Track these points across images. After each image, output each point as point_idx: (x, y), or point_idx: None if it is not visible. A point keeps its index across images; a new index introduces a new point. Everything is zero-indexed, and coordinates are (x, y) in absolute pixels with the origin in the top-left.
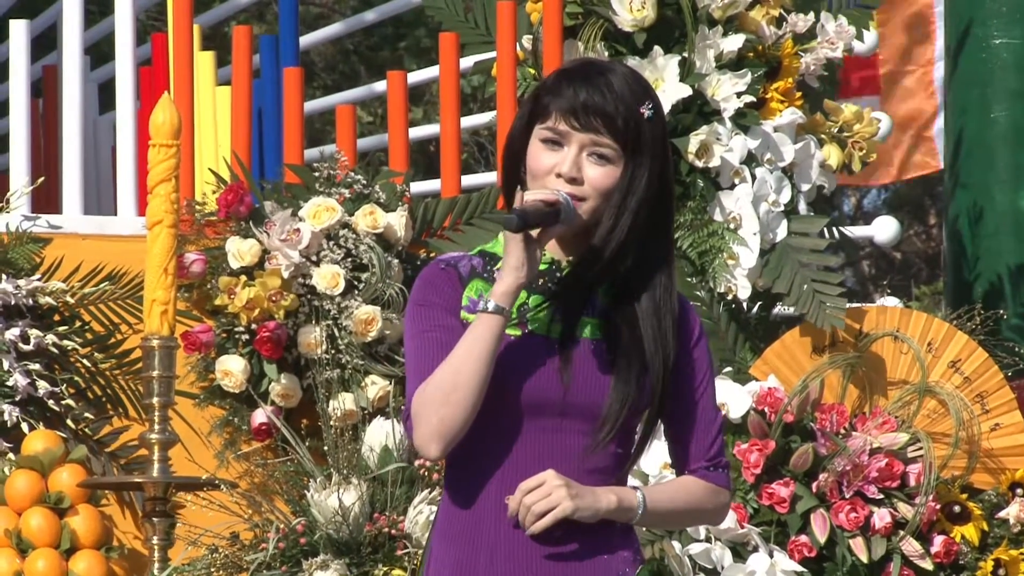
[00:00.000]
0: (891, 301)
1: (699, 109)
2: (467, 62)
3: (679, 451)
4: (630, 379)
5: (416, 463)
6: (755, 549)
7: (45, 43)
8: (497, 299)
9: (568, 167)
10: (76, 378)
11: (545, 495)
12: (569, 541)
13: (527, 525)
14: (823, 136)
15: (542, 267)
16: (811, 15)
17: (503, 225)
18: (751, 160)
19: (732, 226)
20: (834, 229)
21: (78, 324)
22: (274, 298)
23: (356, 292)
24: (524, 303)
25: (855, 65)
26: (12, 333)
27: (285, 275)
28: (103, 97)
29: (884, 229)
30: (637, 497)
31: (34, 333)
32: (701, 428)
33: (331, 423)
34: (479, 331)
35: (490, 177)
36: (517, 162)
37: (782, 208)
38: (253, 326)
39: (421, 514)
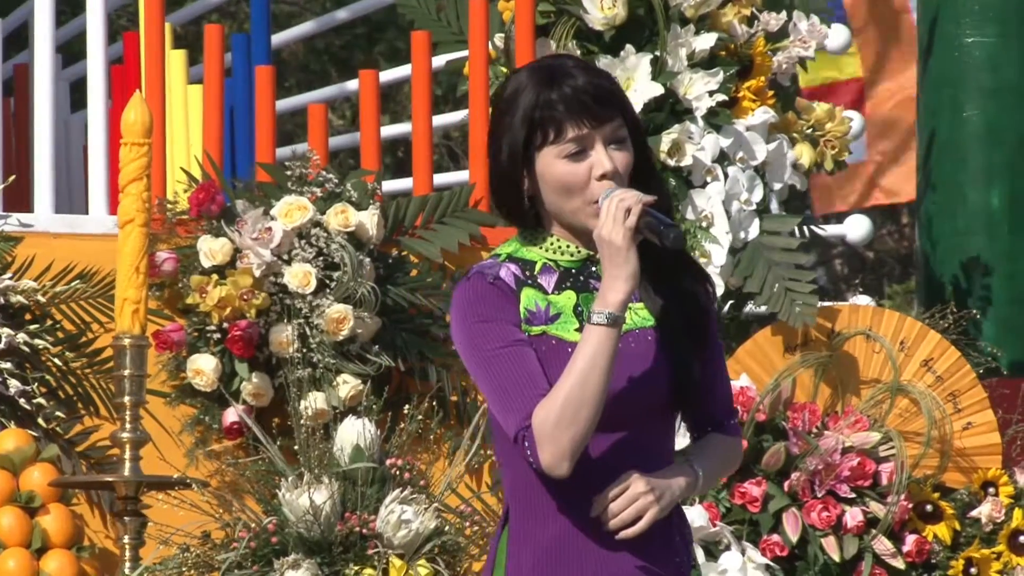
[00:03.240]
0: (863, 300)
1: (671, 108)
2: (439, 61)
3: (702, 412)
4: (691, 359)
5: (388, 462)
6: (727, 548)
7: (16, 42)
8: (615, 309)
9: (610, 165)
10: (47, 377)
11: (631, 501)
12: (651, 545)
13: (614, 528)
14: (795, 135)
15: (576, 263)
16: (783, 14)
17: (670, 241)
18: (723, 159)
19: (704, 224)
20: (806, 228)
21: (49, 323)
22: (246, 297)
23: (328, 291)
24: (577, 304)
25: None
26: None
27: (257, 274)
28: (75, 96)
29: (856, 228)
30: (696, 471)
31: (5, 332)
32: (723, 387)
33: (302, 422)
34: (599, 343)
35: (462, 176)
36: (518, 192)
37: (754, 207)
38: (225, 325)
39: (392, 513)
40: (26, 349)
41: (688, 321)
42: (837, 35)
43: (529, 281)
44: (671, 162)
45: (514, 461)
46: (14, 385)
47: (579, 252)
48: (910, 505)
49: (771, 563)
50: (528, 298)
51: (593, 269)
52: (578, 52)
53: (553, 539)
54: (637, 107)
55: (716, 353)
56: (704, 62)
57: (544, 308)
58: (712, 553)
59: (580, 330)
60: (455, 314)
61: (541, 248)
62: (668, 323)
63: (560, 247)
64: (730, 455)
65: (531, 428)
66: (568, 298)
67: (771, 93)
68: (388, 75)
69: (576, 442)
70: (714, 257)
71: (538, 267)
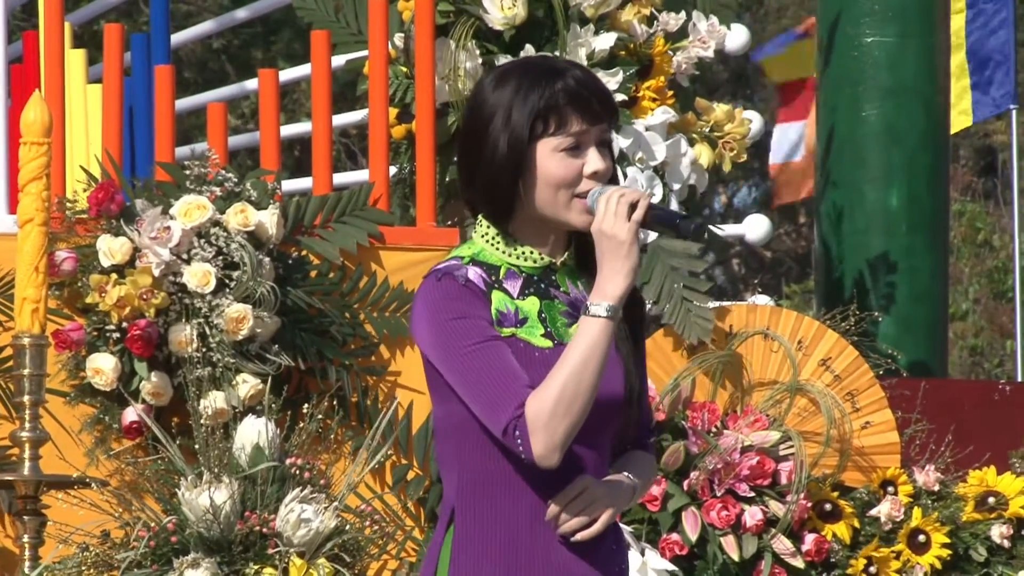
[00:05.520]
0: (762, 299)
1: None
2: (338, 61)
3: (627, 428)
4: (638, 368)
5: (288, 461)
6: (627, 547)
7: None
8: (615, 301)
9: (602, 164)
10: None
11: (587, 503)
12: (593, 549)
13: (569, 531)
14: (694, 135)
15: (537, 270)
16: (682, 14)
17: (691, 233)
18: (622, 159)
19: None
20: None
21: None
22: (145, 296)
23: (227, 290)
24: (541, 311)
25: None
26: None
27: (156, 273)
28: None
29: (755, 227)
30: (632, 482)
31: None
32: (647, 404)
33: (202, 421)
34: (596, 337)
35: (361, 175)
36: (513, 185)
37: None
38: (124, 324)
39: (292, 512)
40: None
41: (631, 333)
42: (736, 36)
43: (496, 285)
44: None
45: (461, 464)
46: None
47: (541, 259)
48: (809, 504)
49: (670, 566)
50: (499, 300)
51: (553, 277)
52: (478, 52)
53: (500, 543)
54: None
55: (644, 370)
56: (604, 62)
57: (513, 311)
58: None
59: (546, 336)
60: (424, 314)
61: (504, 253)
62: (617, 334)
63: (524, 253)
64: (651, 471)
65: (523, 418)
66: (532, 304)
67: (670, 93)
68: (287, 75)
69: (569, 434)
70: None
71: (502, 272)
